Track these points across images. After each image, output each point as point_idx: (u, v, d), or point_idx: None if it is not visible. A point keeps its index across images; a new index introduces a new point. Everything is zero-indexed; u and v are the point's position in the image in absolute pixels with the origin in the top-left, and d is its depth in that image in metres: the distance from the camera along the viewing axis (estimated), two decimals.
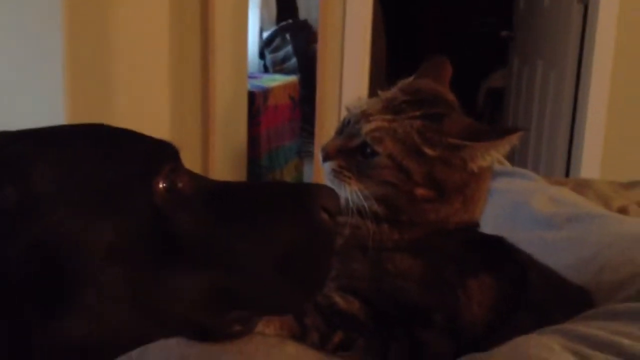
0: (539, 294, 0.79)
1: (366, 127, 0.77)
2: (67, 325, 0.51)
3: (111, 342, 0.55)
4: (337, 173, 0.78)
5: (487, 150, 0.76)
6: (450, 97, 0.84)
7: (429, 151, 0.76)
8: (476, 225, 0.83)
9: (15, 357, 0.48)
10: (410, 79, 0.86)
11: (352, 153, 0.79)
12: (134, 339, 0.57)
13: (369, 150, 0.77)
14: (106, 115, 1.87)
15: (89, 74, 1.82)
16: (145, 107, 2.08)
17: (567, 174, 2.61)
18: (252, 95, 2.94)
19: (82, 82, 1.79)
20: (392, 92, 0.83)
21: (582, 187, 1.42)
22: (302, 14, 4.08)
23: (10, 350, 0.47)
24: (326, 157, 0.80)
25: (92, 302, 0.51)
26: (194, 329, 0.60)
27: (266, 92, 3.11)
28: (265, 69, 3.99)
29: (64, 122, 1.72)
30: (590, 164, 2.51)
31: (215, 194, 0.60)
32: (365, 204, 0.77)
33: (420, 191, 0.76)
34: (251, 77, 3.23)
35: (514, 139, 0.75)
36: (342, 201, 0.77)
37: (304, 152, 3.50)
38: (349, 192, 0.77)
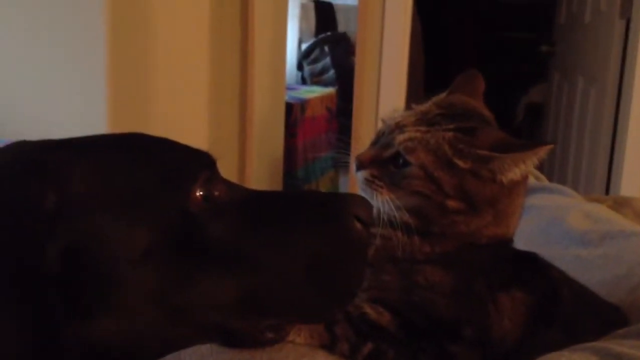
0: (571, 311, 0.79)
1: (399, 138, 0.78)
2: (98, 328, 0.52)
3: (142, 347, 0.56)
4: (369, 182, 0.79)
5: (515, 162, 0.75)
6: (486, 112, 0.84)
7: (459, 163, 0.76)
8: (510, 240, 0.82)
9: (44, 357, 0.49)
10: (444, 94, 0.87)
11: (385, 163, 0.79)
12: (165, 344, 0.58)
13: (401, 160, 0.78)
14: (145, 125, 1.91)
15: (130, 84, 1.86)
16: (183, 117, 2.11)
17: (607, 192, 2.56)
18: (289, 107, 2.96)
19: (123, 93, 1.82)
20: (426, 105, 0.84)
21: (621, 205, 1.40)
22: (341, 26, 4.11)
23: (40, 349, 0.48)
24: (359, 166, 0.80)
25: (124, 305, 0.53)
26: (226, 335, 0.61)
27: (303, 104, 3.12)
28: (303, 81, 4.01)
29: (105, 131, 1.75)
30: (631, 182, 2.46)
31: (250, 202, 0.61)
32: (397, 214, 0.77)
33: (451, 203, 0.76)
34: (289, 88, 3.25)
35: (542, 152, 0.75)
36: (374, 211, 0.77)
37: (340, 164, 3.50)
38: (381, 202, 0.77)
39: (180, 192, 0.56)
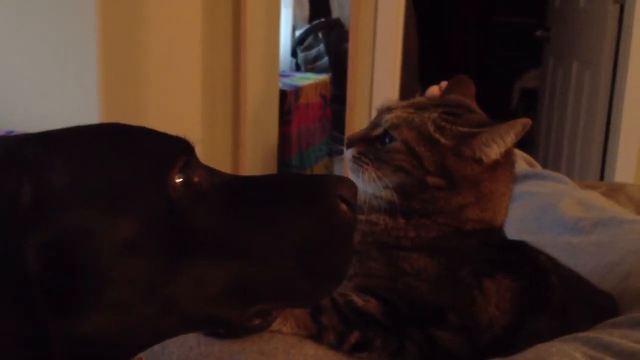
0: (562, 298, 0.78)
1: (386, 117, 0.81)
2: (86, 322, 0.51)
3: (131, 338, 0.55)
4: (355, 159, 0.82)
5: (493, 138, 0.77)
6: (478, 110, 0.87)
7: (440, 139, 0.78)
8: (498, 229, 0.82)
9: (33, 357, 0.48)
10: (436, 88, 0.90)
11: (372, 141, 0.82)
12: (154, 335, 0.57)
13: (387, 138, 0.80)
14: (138, 114, 1.89)
15: (122, 72, 1.84)
16: (177, 105, 2.10)
17: (601, 178, 2.56)
18: (283, 94, 2.95)
19: (115, 82, 1.81)
20: (419, 98, 0.87)
21: (614, 191, 1.40)
22: (335, 13, 4.08)
23: (27, 349, 0.47)
24: (348, 145, 0.84)
25: (110, 298, 0.51)
26: (214, 323, 0.60)
27: (298, 91, 3.11)
28: (297, 68, 3.99)
29: (97, 121, 1.74)
30: (625, 167, 2.47)
31: (232, 187, 0.60)
32: (382, 193, 0.79)
33: (431, 179, 0.78)
34: (283, 75, 3.24)
35: (518, 126, 0.77)
36: (361, 194, 0.78)
37: (334, 151, 3.49)
38: (367, 178, 0.79)
39: (159, 179, 0.54)
